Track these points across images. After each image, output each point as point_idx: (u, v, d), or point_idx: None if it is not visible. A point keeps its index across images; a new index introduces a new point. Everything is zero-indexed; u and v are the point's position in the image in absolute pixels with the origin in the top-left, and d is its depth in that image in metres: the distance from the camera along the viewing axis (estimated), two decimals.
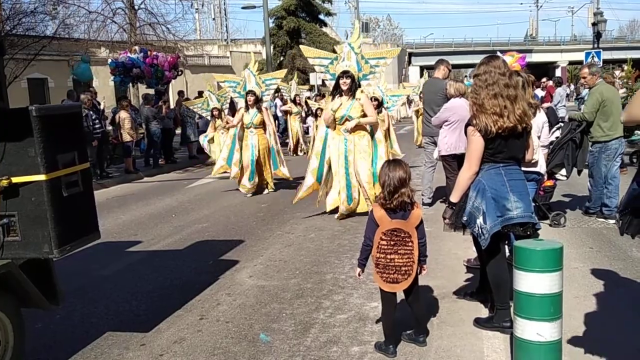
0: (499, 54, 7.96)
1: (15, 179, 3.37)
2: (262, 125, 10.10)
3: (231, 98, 13.10)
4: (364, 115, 7.64)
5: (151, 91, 17.00)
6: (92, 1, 21.87)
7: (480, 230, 3.68)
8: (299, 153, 16.98)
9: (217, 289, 5.21)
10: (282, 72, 12.29)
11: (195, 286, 5.28)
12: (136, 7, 21.92)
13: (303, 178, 8.26)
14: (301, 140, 17.53)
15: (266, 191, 10.27)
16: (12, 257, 3.49)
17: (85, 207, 3.72)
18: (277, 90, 17.88)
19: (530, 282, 2.96)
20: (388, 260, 3.67)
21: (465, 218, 3.78)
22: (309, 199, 8.31)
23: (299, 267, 5.74)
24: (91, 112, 11.93)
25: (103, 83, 26.96)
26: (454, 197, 3.88)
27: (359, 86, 7.75)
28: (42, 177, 3.35)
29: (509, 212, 3.64)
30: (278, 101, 19.50)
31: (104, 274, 5.86)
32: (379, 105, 11.76)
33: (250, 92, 9.91)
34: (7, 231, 3.47)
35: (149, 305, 4.90)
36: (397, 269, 3.68)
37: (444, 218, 4.02)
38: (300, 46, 9.93)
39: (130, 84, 17.58)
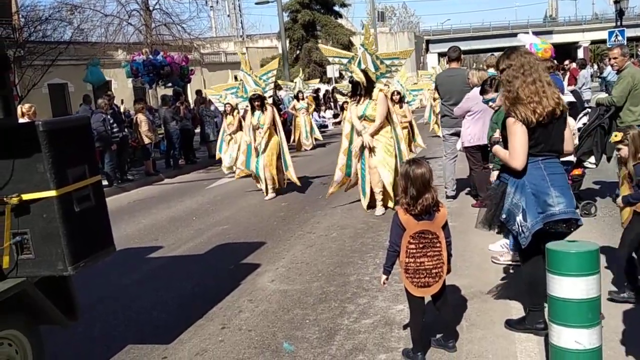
0: (530, 33, 7.67)
1: (25, 196, 3.30)
2: (271, 124, 9.86)
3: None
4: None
5: (169, 92, 17.02)
6: (108, 4, 21.94)
7: (520, 228, 3.48)
8: (306, 149, 16.77)
9: (238, 295, 5.11)
10: (275, 63, 11.76)
11: (216, 293, 5.18)
12: (151, 8, 21.98)
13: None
14: (307, 136, 17.08)
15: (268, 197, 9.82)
16: (27, 275, 3.43)
17: (99, 221, 3.64)
18: (277, 87, 17.55)
19: (565, 287, 2.77)
20: (418, 264, 3.51)
21: (504, 216, 3.56)
22: (331, 197, 8.18)
23: (321, 269, 5.61)
24: (109, 117, 11.91)
25: (122, 85, 27.18)
26: None
27: (374, 85, 7.65)
28: (52, 193, 3.28)
29: (550, 208, 3.44)
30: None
31: (125, 282, 5.80)
32: (401, 100, 11.58)
33: (255, 95, 9.69)
34: (20, 249, 3.41)
35: (170, 315, 4.82)
36: (427, 272, 3.52)
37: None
38: (319, 46, 9.86)
39: (155, 84, 17.57)
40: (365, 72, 7.58)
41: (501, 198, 3.63)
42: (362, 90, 7.57)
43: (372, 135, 7.55)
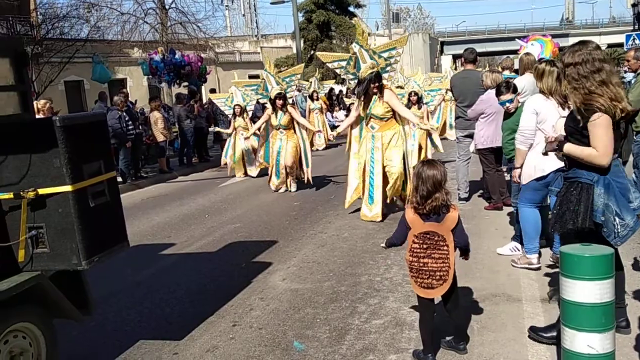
0: (520, 41, 7.64)
1: (41, 191, 3.33)
2: (291, 125, 9.96)
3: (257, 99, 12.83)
4: (390, 113, 7.43)
5: (183, 90, 17.11)
6: (124, 3, 22.16)
7: (618, 228, 3.29)
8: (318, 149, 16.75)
9: (250, 293, 5.12)
10: (300, 67, 11.95)
11: (228, 290, 5.20)
12: (167, 7, 22.11)
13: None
14: (320, 136, 16.98)
15: (292, 189, 10.11)
16: (42, 269, 3.47)
17: (113, 217, 3.67)
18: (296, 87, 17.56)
19: (578, 291, 2.76)
20: (421, 265, 3.51)
21: (602, 218, 3.33)
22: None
23: (332, 269, 5.62)
24: (124, 114, 12.00)
25: (137, 83, 27.37)
26: None
27: (381, 81, 7.47)
28: (68, 188, 3.31)
29: (631, 204, 3.35)
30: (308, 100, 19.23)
31: (137, 279, 5.84)
32: (419, 100, 11.47)
33: (280, 95, 9.77)
34: (36, 243, 3.44)
35: (182, 312, 4.85)
36: (431, 274, 3.51)
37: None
38: (317, 53, 9.83)
39: (171, 83, 17.67)
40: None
41: (588, 199, 3.39)
42: (375, 85, 7.30)
43: (384, 126, 7.46)
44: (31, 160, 3.34)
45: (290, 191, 10.04)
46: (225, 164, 12.86)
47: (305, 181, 10.05)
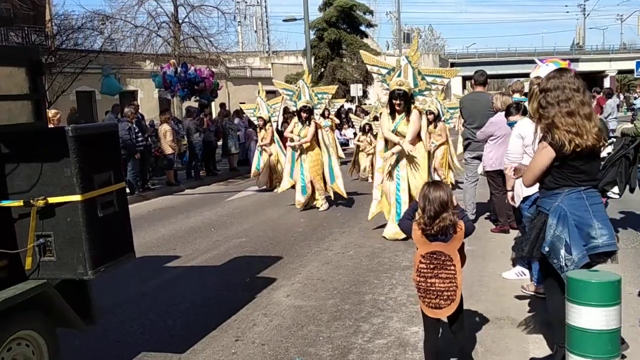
0: (539, 62, 7.68)
1: (51, 199, 3.36)
2: (313, 139, 9.88)
3: (284, 112, 12.92)
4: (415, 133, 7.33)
5: (195, 104, 17.23)
6: (138, 16, 22.46)
7: (564, 262, 3.31)
8: None
9: (253, 309, 5.11)
10: (334, 88, 12.08)
11: (231, 305, 5.20)
12: (180, 21, 22.34)
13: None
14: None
15: (322, 207, 9.90)
16: (48, 277, 3.48)
17: (121, 228, 3.69)
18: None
19: (584, 317, 2.74)
20: (429, 285, 3.50)
21: (546, 249, 3.38)
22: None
23: (337, 287, 5.60)
24: (134, 126, 12.09)
25: (147, 95, 27.56)
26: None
27: (413, 102, 7.43)
28: (77, 198, 3.33)
29: (593, 240, 3.30)
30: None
31: (142, 289, 5.85)
32: (435, 118, 11.44)
33: (305, 107, 9.83)
34: (43, 251, 3.46)
35: (185, 325, 4.84)
36: (438, 294, 3.50)
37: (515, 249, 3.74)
38: (361, 51, 9.76)
39: (185, 98, 17.79)
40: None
41: (541, 229, 3.48)
42: (405, 104, 7.27)
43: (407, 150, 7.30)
44: (42, 168, 3.37)
45: (318, 209, 9.83)
46: (256, 175, 12.82)
47: (319, 202, 9.94)
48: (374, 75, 8.27)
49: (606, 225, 3.38)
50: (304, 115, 9.82)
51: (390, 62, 8.56)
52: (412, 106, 7.38)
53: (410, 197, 7.32)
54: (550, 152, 3.35)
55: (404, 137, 7.30)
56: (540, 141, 3.46)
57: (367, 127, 14.22)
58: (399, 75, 7.45)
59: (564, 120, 3.32)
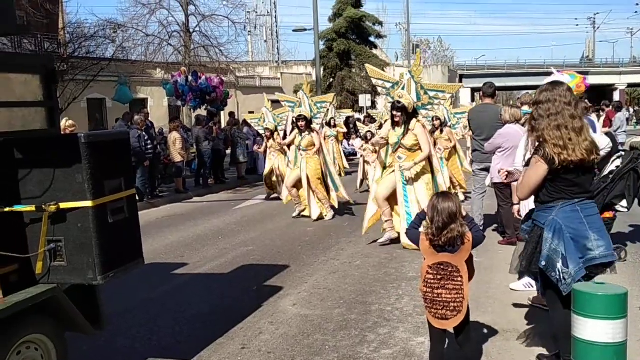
0: (555, 72, 7.71)
1: (63, 205, 3.40)
2: (313, 147, 9.98)
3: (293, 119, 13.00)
4: (417, 146, 7.42)
5: (204, 112, 17.33)
6: (150, 25, 22.75)
7: (561, 275, 3.33)
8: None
9: (260, 317, 5.13)
10: (331, 96, 12.35)
11: (238, 313, 5.22)
12: (191, 30, 22.55)
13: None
14: (337, 162, 16.98)
15: (327, 216, 9.90)
16: (58, 282, 3.52)
17: (130, 234, 3.73)
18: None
19: (590, 330, 2.75)
20: (435, 295, 3.51)
21: (543, 263, 3.41)
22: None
23: (343, 297, 5.61)
24: (144, 133, 12.19)
25: (157, 103, 27.78)
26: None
27: (416, 115, 7.51)
28: (88, 204, 3.38)
29: (590, 252, 3.33)
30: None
31: (150, 296, 5.88)
32: (442, 124, 11.46)
33: (301, 116, 9.90)
34: (54, 256, 3.51)
35: (192, 332, 4.87)
36: (445, 305, 3.51)
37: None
38: (366, 65, 9.82)
39: (196, 108, 17.91)
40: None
41: (537, 243, 3.53)
42: (404, 116, 7.34)
43: (410, 157, 7.40)
44: (55, 174, 3.42)
45: (325, 217, 9.82)
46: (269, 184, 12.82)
47: (324, 212, 9.93)
48: (379, 89, 8.36)
49: (603, 236, 3.40)
50: (300, 124, 9.86)
51: (400, 72, 8.59)
52: (416, 120, 7.45)
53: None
54: (544, 166, 3.40)
55: (408, 149, 7.43)
56: (533, 154, 3.50)
57: (369, 135, 14.19)
58: (403, 89, 7.54)
59: (552, 133, 3.37)
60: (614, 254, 3.43)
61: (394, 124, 7.48)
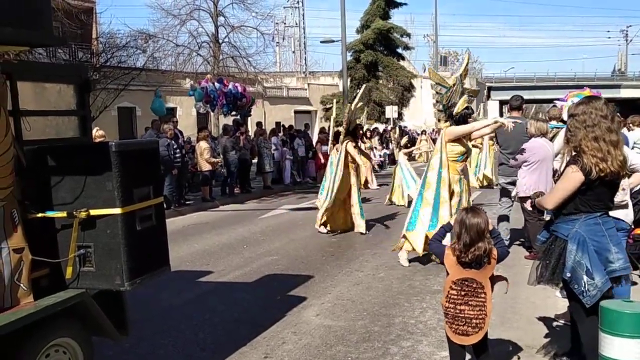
0: (557, 102, 7.54)
1: (93, 211, 3.49)
2: (352, 161, 9.61)
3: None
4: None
5: (230, 122, 17.52)
6: (180, 35, 23.21)
7: (586, 287, 3.37)
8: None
9: (283, 327, 5.15)
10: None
11: (261, 322, 5.24)
12: (220, 41, 22.87)
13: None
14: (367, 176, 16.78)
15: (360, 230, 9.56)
16: (87, 287, 3.60)
17: (158, 241, 3.80)
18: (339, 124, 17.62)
19: (617, 348, 2.70)
20: (458, 311, 3.48)
21: (568, 274, 3.46)
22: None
23: (367, 308, 5.60)
24: (173, 142, 12.36)
25: (186, 112, 28.13)
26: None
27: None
28: (117, 211, 3.45)
29: (611, 264, 3.41)
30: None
31: (175, 303, 5.95)
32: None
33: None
34: (83, 261, 3.59)
35: (216, 339, 4.91)
36: (467, 321, 3.48)
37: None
38: (429, 68, 9.84)
39: (227, 113, 18.11)
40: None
41: (560, 255, 3.54)
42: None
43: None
44: (86, 182, 3.51)
45: (361, 233, 9.41)
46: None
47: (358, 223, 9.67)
48: (432, 93, 8.21)
49: (621, 249, 3.51)
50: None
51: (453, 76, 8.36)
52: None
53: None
54: (580, 176, 3.42)
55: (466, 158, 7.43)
56: (568, 164, 3.51)
57: (408, 145, 14.21)
58: (451, 96, 7.35)
59: (590, 144, 3.41)
60: (629, 267, 3.53)
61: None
